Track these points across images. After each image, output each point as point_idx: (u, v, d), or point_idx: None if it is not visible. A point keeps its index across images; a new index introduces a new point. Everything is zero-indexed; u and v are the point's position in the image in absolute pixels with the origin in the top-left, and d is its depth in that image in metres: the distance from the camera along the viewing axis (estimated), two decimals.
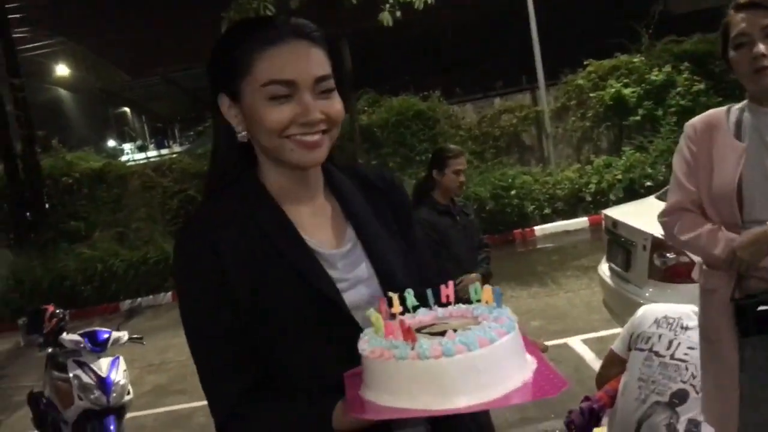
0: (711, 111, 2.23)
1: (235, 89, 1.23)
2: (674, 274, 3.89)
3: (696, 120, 2.22)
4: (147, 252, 11.07)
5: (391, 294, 1.16)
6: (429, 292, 1.17)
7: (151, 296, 10.82)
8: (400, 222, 1.40)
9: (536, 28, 12.07)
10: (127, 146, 31.46)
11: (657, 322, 2.71)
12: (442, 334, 1.04)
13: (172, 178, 12.21)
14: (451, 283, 1.19)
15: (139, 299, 10.76)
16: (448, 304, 1.18)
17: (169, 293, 10.77)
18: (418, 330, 1.10)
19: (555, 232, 10.73)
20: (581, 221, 10.76)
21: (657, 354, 2.63)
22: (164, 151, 27.20)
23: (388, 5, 8.87)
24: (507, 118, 12.24)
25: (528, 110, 12.26)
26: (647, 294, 4.12)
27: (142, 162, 15.26)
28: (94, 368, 4.15)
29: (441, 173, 3.91)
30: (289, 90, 1.19)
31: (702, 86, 10.77)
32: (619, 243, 4.61)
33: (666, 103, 11.18)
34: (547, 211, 10.99)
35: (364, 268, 1.29)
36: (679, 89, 11.13)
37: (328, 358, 1.12)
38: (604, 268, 4.91)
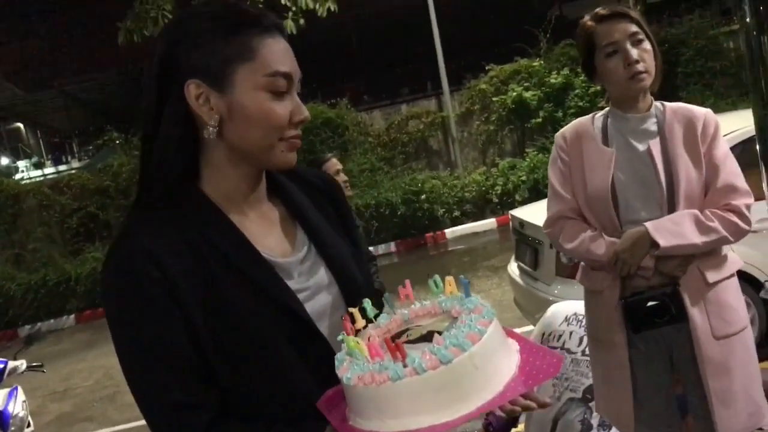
0: (578, 120, 2.31)
1: (225, 75, 1.09)
2: None
3: (565, 130, 2.29)
4: (46, 274, 10.57)
5: (351, 309, 1.07)
6: (387, 296, 1.11)
7: (52, 320, 10.33)
8: (345, 220, 1.32)
9: (439, 36, 12.27)
10: (21, 163, 29.95)
11: (567, 319, 2.76)
12: (424, 339, 0.97)
13: (70, 195, 11.69)
14: (407, 281, 1.11)
15: (39, 324, 10.23)
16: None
17: (72, 316, 10.31)
18: (394, 338, 1.02)
19: (465, 234, 10.91)
20: (489, 222, 10.98)
21: (569, 351, 2.67)
22: (62, 167, 26.08)
23: (291, 13, 8.77)
24: (414, 124, 12.38)
25: (434, 116, 12.44)
26: (555, 291, 4.22)
27: (38, 179, 14.53)
28: None
29: None
30: (287, 84, 1.11)
31: (598, 87, 11.09)
32: (527, 242, 4.70)
33: (565, 105, 11.59)
34: (456, 213, 11.17)
35: (323, 274, 1.20)
36: (577, 91, 11.56)
37: (295, 374, 1.01)
38: (513, 268, 5.00)
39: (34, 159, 31.67)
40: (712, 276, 2.11)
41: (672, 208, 2.09)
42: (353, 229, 1.34)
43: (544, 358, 1.01)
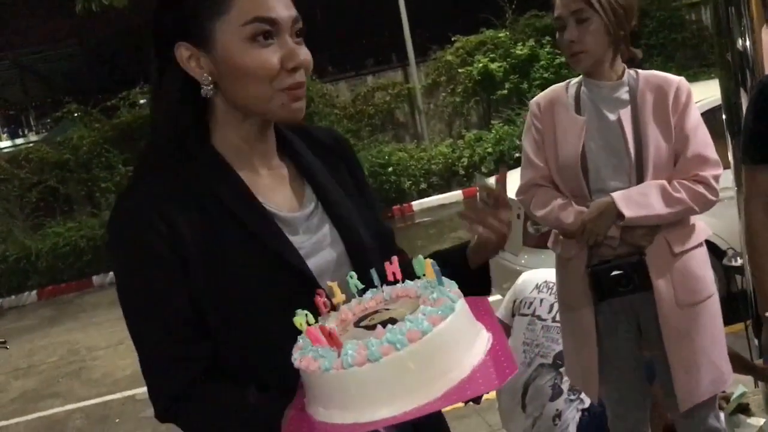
0: (552, 87, 2.33)
1: (205, 34, 1.08)
2: (547, 241, 4.02)
3: (539, 97, 2.31)
4: (6, 249, 10.33)
5: (330, 283, 1.06)
6: (373, 272, 1.08)
7: (13, 296, 10.12)
8: (356, 178, 1.32)
9: (404, 6, 12.16)
10: None
11: (538, 287, 2.80)
12: (386, 323, 0.93)
13: (29, 169, 11.36)
14: (395, 258, 1.09)
15: (0, 300, 10.03)
16: (395, 281, 1.08)
17: (34, 292, 10.13)
18: (360, 320, 1.01)
19: (431, 206, 10.94)
20: (456, 194, 11.02)
21: (539, 318, 2.71)
22: (19, 141, 25.41)
23: None
24: (380, 96, 12.30)
25: (400, 87, 12.36)
26: (522, 261, 4.26)
27: None
28: None
29: None
30: (273, 31, 1.08)
31: (563, 59, 11.23)
32: None
33: (531, 77, 11.59)
34: (423, 186, 11.18)
35: (327, 231, 1.20)
36: (542, 62, 11.58)
37: (291, 330, 0.98)
38: None
39: None
40: (678, 246, 2.14)
41: (640, 177, 2.12)
42: (365, 185, 1.34)
43: (500, 363, 0.95)
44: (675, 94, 2.12)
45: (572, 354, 2.35)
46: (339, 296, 1.05)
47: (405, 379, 0.88)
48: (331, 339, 0.91)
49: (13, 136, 29.55)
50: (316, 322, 0.99)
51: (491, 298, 4.28)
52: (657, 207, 2.07)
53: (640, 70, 2.19)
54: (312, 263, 1.14)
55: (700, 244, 2.19)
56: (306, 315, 0.98)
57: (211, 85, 1.11)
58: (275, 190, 1.19)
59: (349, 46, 17.81)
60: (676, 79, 2.16)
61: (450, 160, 11.27)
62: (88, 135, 11.27)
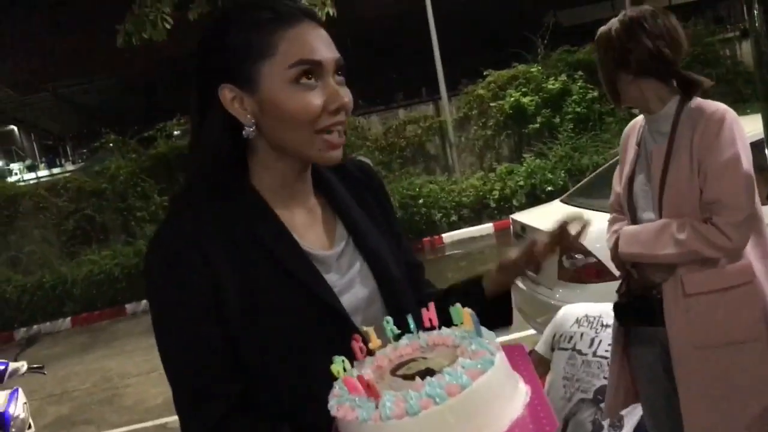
0: (637, 118, 2.34)
1: (250, 76, 1.09)
2: (583, 275, 4.00)
3: (627, 126, 2.39)
4: (42, 276, 10.52)
5: (366, 328, 1.05)
6: (409, 317, 1.07)
7: (48, 323, 10.27)
8: (384, 210, 1.33)
9: (436, 40, 12.28)
10: (15, 166, 29.80)
11: (578, 321, 2.78)
12: (424, 374, 0.92)
13: (67, 198, 11.63)
14: (432, 305, 1.07)
15: (36, 326, 10.17)
16: (432, 327, 1.06)
17: (68, 319, 10.27)
18: (397, 368, 1.00)
19: (462, 238, 10.91)
20: (487, 227, 10.99)
21: (580, 352, 2.68)
22: (56, 170, 25.92)
23: None
24: (412, 129, 12.38)
25: (432, 120, 12.45)
26: (557, 295, 4.22)
27: (33, 182, 14.46)
28: None
29: None
30: (316, 73, 1.09)
31: (596, 93, 11.23)
32: None
33: (563, 111, 11.61)
34: (453, 218, 11.17)
35: (359, 267, 1.21)
36: (574, 97, 11.58)
37: (324, 366, 0.98)
38: None
39: (28, 162, 31.52)
40: (691, 287, 2.06)
41: (660, 211, 2.11)
42: (393, 217, 1.35)
43: (546, 414, 0.94)
44: (706, 122, 2.00)
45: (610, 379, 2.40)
46: (375, 342, 1.04)
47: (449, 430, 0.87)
48: (370, 390, 0.91)
49: (50, 165, 30.19)
50: (352, 366, 1.00)
51: (525, 333, 4.23)
52: (655, 247, 2.04)
53: (693, 100, 2.08)
54: (345, 301, 1.15)
55: (728, 288, 2.05)
56: (343, 361, 0.98)
57: (254, 126, 1.12)
58: (309, 228, 1.19)
59: (381, 80, 18.00)
60: (714, 107, 2.03)
61: (481, 193, 11.26)
62: (125, 165, 11.51)
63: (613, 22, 2.13)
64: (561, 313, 2.92)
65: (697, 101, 2.09)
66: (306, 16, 1.12)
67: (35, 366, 4.31)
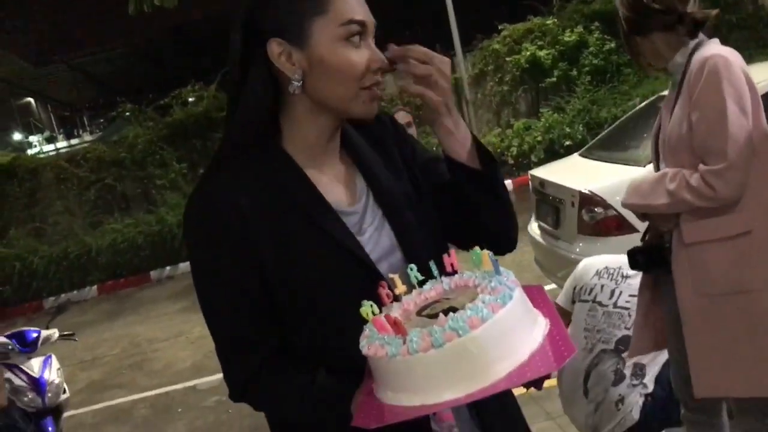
0: None
1: (302, 32, 1.14)
2: (603, 228, 4.00)
3: None
4: (67, 246, 10.66)
5: (391, 275, 1.12)
6: (432, 264, 1.12)
7: (75, 291, 10.45)
8: (406, 152, 1.36)
9: None
10: (34, 138, 30.05)
11: (598, 273, 2.79)
12: (447, 312, 0.99)
13: (87, 168, 11.72)
14: (453, 251, 1.14)
15: (64, 295, 10.37)
16: (453, 272, 1.12)
17: (95, 287, 10.45)
18: (423, 310, 1.06)
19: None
20: (506, 183, 10.92)
21: (600, 304, 2.70)
22: (74, 141, 26.11)
23: None
24: None
25: None
26: (578, 249, 4.23)
27: (52, 154, 14.58)
28: (26, 369, 3.97)
29: None
30: (362, 33, 1.17)
31: (613, 45, 11.03)
32: (548, 202, 4.70)
33: (580, 64, 11.42)
34: None
35: (379, 220, 1.26)
36: (591, 49, 11.39)
37: (354, 313, 1.04)
38: (533, 227, 5.01)
39: (46, 133, 31.77)
40: (689, 237, 2.08)
41: (657, 161, 2.20)
42: (417, 151, 1.37)
43: (558, 347, 0.99)
44: (698, 68, 1.99)
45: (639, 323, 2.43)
46: (401, 287, 1.11)
47: (467, 364, 0.93)
48: (397, 327, 0.97)
49: (69, 136, 30.41)
50: (380, 312, 1.05)
51: (546, 287, 4.27)
52: (649, 197, 2.10)
53: (702, 49, 2.05)
54: (369, 250, 1.21)
55: (726, 237, 2.05)
56: (371, 305, 1.03)
57: (300, 81, 1.16)
58: (335, 184, 1.25)
59: (394, 38, 17.81)
60: (711, 52, 1.99)
61: (499, 150, 11.18)
62: (143, 134, 11.55)
63: None
64: (581, 265, 2.94)
65: (706, 47, 2.05)
66: None
67: (66, 333, 4.42)
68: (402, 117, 3.94)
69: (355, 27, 1.15)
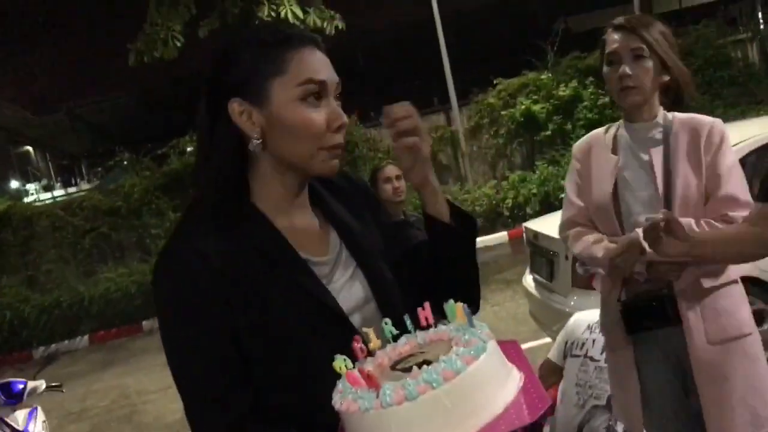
0: (593, 131, 2.40)
1: (261, 92, 1.17)
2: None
3: (581, 141, 2.41)
4: (60, 295, 10.59)
5: (365, 330, 1.10)
6: (407, 318, 1.12)
7: (66, 341, 10.32)
8: (372, 210, 1.39)
9: (446, 49, 12.31)
10: (31, 186, 30.11)
11: (590, 327, 2.77)
12: (421, 365, 0.98)
13: (82, 217, 11.73)
14: (427, 304, 1.13)
15: (54, 345, 10.24)
16: (428, 326, 1.11)
17: (86, 336, 10.33)
18: (397, 363, 1.05)
19: (477, 248, 10.84)
20: (501, 236, 10.96)
21: (592, 359, 2.67)
22: (72, 190, 26.16)
23: None
24: None
25: (443, 130, 12.46)
26: (572, 302, 4.20)
27: (49, 202, 14.61)
28: (10, 422, 3.89)
29: (376, 190, 3.91)
30: (321, 92, 1.18)
31: (607, 99, 11.18)
32: (542, 254, 4.69)
33: (574, 117, 11.58)
34: None
35: (352, 271, 1.27)
36: (585, 103, 11.56)
37: (328, 368, 1.02)
38: (528, 280, 4.99)
39: (44, 181, 31.85)
40: (708, 281, 2.12)
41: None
42: (382, 213, 1.42)
43: (532, 400, 0.98)
44: (708, 133, 2.14)
45: (616, 390, 2.35)
46: (375, 342, 1.09)
47: (442, 417, 0.92)
48: (370, 380, 0.96)
49: (66, 184, 30.50)
50: (354, 367, 1.04)
51: (541, 342, 4.22)
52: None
53: (677, 113, 2.22)
54: (342, 302, 1.21)
55: (733, 281, 2.16)
56: (344, 360, 1.02)
57: (260, 140, 1.18)
58: (307, 238, 1.25)
59: (391, 91, 18.05)
60: (710, 120, 2.18)
61: (494, 202, 11.25)
62: (139, 182, 11.60)
63: None
64: (572, 320, 2.91)
65: (684, 114, 2.22)
66: (311, 41, 1.20)
67: (53, 384, 4.34)
68: (392, 170, 3.98)
69: (313, 87, 1.16)
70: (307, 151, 1.17)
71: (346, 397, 0.98)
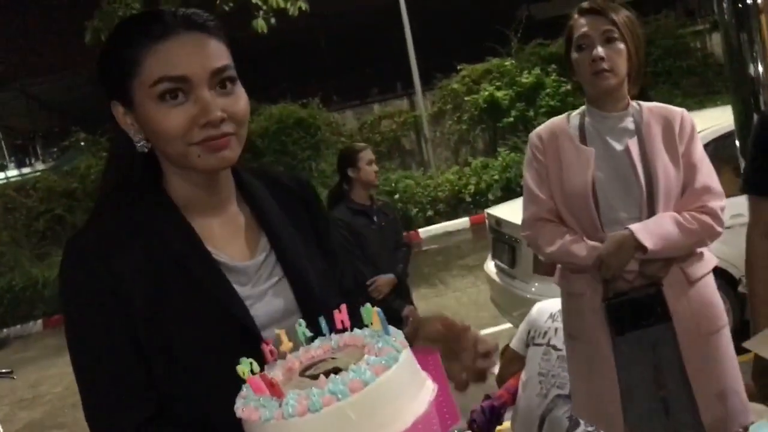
0: (552, 119, 2.30)
1: (127, 94, 1.10)
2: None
3: (540, 129, 2.28)
4: (12, 278, 10.34)
5: (277, 331, 1.04)
6: (321, 320, 1.06)
7: (19, 326, 10.10)
8: (317, 224, 1.30)
9: (410, 34, 12.26)
10: None
11: (552, 316, 2.76)
12: (329, 373, 0.93)
13: (36, 198, 11.44)
14: (344, 306, 1.06)
15: (6, 330, 10.00)
16: (344, 329, 1.05)
17: (40, 321, 10.10)
18: (306, 369, 1.00)
19: (438, 233, 10.92)
20: (463, 221, 11.01)
21: (554, 348, 2.67)
22: (26, 170, 25.52)
23: (261, 12, 8.71)
24: (387, 124, 12.36)
25: (407, 115, 12.44)
26: (533, 288, 4.23)
27: (1, 182, 14.21)
28: None
29: (356, 169, 3.84)
30: (183, 87, 1.06)
31: (569, 87, 11.28)
32: (504, 240, 4.71)
33: (537, 104, 11.67)
34: (429, 213, 11.19)
35: (277, 279, 1.19)
36: (548, 90, 11.66)
37: (234, 374, 0.96)
38: (490, 266, 5.01)
39: None
40: (693, 274, 2.12)
41: (651, 207, 2.09)
42: (329, 234, 1.33)
43: (450, 410, 0.97)
44: (681, 124, 2.14)
45: (584, 390, 2.28)
46: (286, 344, 1.04)
47: (346, 430, 0.87)
48: (273, 388, 0.90)
49: (20, 165, 29.71)
50: (262, 370, 0.98)
51: (501, 327, 4.22)
52: (676, 239, 2.05)
53: (642, 102, 2.19)
54: (258, 311, 1.14)
55: (709, 272, 2.18)
56: (251, 363, 0.96)
57: (143, 141, 1.12)
58: (228, 239, 1.18)
59: (354, 75, 17.93)
60: (680, 111, 2.18)
61: (456, 188, 11.28)
62: (96, 164, 11.34)
63: None
64: (535, 309, 2.91)
65: (650, 103, 2.21)
66: (185, 28, 1.08)
67: (4, 371, 4.20)
68: (368, 154, 3.92)
69: (168, 85, 1.06)
70: (176, 150, 1.09)
71: (248, 405, 0.93)
